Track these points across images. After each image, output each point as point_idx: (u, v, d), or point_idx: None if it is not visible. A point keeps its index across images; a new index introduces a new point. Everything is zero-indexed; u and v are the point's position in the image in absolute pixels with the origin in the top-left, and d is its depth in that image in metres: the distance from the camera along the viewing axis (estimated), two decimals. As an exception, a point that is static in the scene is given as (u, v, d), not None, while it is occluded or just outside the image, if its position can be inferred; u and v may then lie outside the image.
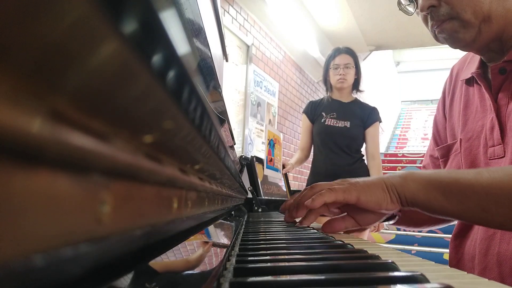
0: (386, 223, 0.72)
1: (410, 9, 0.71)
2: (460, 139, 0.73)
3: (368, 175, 2.02)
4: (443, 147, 0.78)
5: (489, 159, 0.65)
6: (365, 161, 2.09)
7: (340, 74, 2.04)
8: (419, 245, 3.62)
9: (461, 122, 0.73)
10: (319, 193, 0.60)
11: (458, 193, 0.53)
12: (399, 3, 0.72)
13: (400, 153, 6.89)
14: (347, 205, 0.61)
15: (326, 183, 0.63)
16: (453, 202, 0.53)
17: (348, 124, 2.04)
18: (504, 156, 0.63)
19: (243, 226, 0.74)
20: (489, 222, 0.53)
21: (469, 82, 0.74)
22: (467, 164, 0.70)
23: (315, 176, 2.06)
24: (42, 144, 0.08)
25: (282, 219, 0.89)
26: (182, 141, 0.19)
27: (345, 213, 0.63)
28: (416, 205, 0.57)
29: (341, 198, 0.58)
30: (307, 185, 2.14)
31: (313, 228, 0.70)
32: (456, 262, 0.72)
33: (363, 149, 2.12)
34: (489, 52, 0.68)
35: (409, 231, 3.83)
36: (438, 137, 0.83)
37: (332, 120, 2.06)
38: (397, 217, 0.70)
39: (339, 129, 2.04)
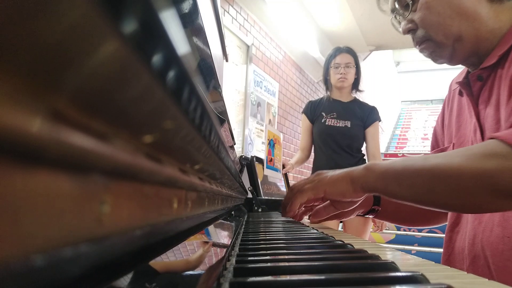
0: (367, 216, 0.80)
1: (400, 30, 0.79)
2: (453, 144, 0.79)
3: None
4: (437, 150, 0.85)
5: None
6: (366, 161, 2.09)
7: (340, 73, 2.04)
8: (419, 245, 3.62)
9: (455, 128, 0.80)
10: (294, 197, 0.71)
11: (408, 178, 0.58)
12: (393, 24, 0.81)
13: (400, 153, 6.90)
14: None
15: (302, 182, 0.73)
16: (405, 187, 0.59)
17: (349, 124, 2.04)
18: None
19: (243, 226, 0.74)
20: (437, 203, 0.59)
21: (461, 92, 0.80)
22: None
23: None
24: (42, 144, 0.08)
25: (282, 219, 0.90)
26: (182, 141, 0.19)
27: (328, 202, 0.72)
28: (376, 191, 0.64)
29: (311, 196, 0.69)
30: None
31: (313, 228, 0.70)
32: (448, 256, 0.76)
33: (363, 149, 2.12)
34: (472, 65, 0.75)
35: (409, 231, 3.83)
36: (436, 146, 0.90)
37: (333, 120, 2.05)
38: (376, 211, 0.78)
39: (340, 129, 2.04)
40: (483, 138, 0.69)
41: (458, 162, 0.54)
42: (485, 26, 0.69)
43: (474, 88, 0.73)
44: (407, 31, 0.74)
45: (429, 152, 0.91)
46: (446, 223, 0.82)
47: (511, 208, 0.57)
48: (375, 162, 0.65)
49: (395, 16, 0.77)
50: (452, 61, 0.74)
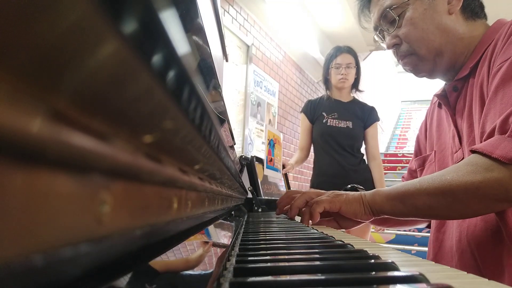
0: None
1: (384, 45, 0.87)
2: (435, 151, 0.88)
3: (370, 175, 2.01)
4: (419, 158, 0.94)
5: (455, 162, 0.79)
6: (366, 161, 2.09)
7: (341, 74, 2.03)
8: (419, 245, 3.62)
9: (435, 137, 0.89)
10: (313, 207, 0.79)
11: (410, 199, 0.68)
12: (375, 41, 0.89)
13: (400, 153, 6.89)
14: (334, 212, 0.80)
15: (314, 191, 0.84)
16: (408, 206, 0.69)
17: (350, 124, 2.03)
18: (463, 158, 0.75)
19: (243, 226, 0.74)
20: (437, 215, 0.70)
21: (440, 104, 0.88)
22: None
23: (320, 177, 2.04)
24: (42, 144, 0.08)
25: (282, 219, 0.91)
26: (182, 141, 0.19)
27: (331, 217, 0.83)
28: (384, 213, 0.75)
29: (327, 208, 0.79)
30: (311, 187, 2.13)
31: (313, 228, 0.70)
32: (435, 254, 0.83)
33: (362, 149, 2.12)
34: (449, 80, 0.83)
35: (409, 231, 3.83)
36: (419, 153, 0.98)
37: (334, 120, 2.04)
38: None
39: (342, 129, 2.03)
40: (461, 144, 0.77)
41: (449, 180, 0.63)
42: (461, 42, 0.77)
43: (450, 98, 0.80)
44: (392, 46, 0.83)
45: (413, 158, 1.01)
46: (425, 225, 0.92)
47: (501, 209, 0.64)
48: (380, 189, 0.76)
49: (378, 33, 0.85)
50: (432, 74, 0.82)
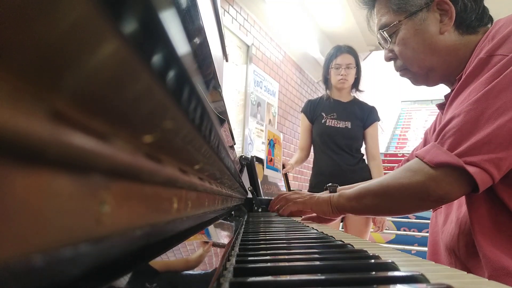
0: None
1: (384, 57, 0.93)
2: None
3: (370, 175, 2.01)
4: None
5: None
6: (366, 161, 2.08)
7: (341, 75, 2.03)
8: (419, 245, 3.62)
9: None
10: (287, 205, 1.02)
11: (362, 199, 0.80)
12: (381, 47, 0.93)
13: (400, 153, 6.89)
14: None
15: (297, 195, 1.04)
16: (362, 205, 0.81)
17: (349, 124, 2.03)
18: None
19: (243, 226, 0.74)
20: (383, 212, 0.82)
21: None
22: None
23: (319, 176, 2.04)
24: (42, 144, 0.08)
25: (282, 219, 0.92)
26: (182, 141, 0.19)
27: (315, 214, 0.97)
28: (347, 212, 0.88)
29: (301, 208, 1.01)
30: (309, 186, 2.13)
31: (313, 228, 0.70)
32: (436, 251, 0.86)
33: (362, 149, 2.12)
34: (451, 85, 0.86)
35: (409, 231, 3.83)
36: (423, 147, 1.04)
37: (333, 120, 2.04)
38: None
39: (341, 129, 2.02)
40: None
41: (387, 181, 0.74)
42: (455, 57, 0.78)
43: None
44: (388, 59, 0.88)
45: (414, 149, 1.05)
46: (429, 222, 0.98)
47: (430, 207, 0.74)
48: (344, 191, 0.87)
49: (379, 43, 0.90)
50: (429, 84, 0.87)
